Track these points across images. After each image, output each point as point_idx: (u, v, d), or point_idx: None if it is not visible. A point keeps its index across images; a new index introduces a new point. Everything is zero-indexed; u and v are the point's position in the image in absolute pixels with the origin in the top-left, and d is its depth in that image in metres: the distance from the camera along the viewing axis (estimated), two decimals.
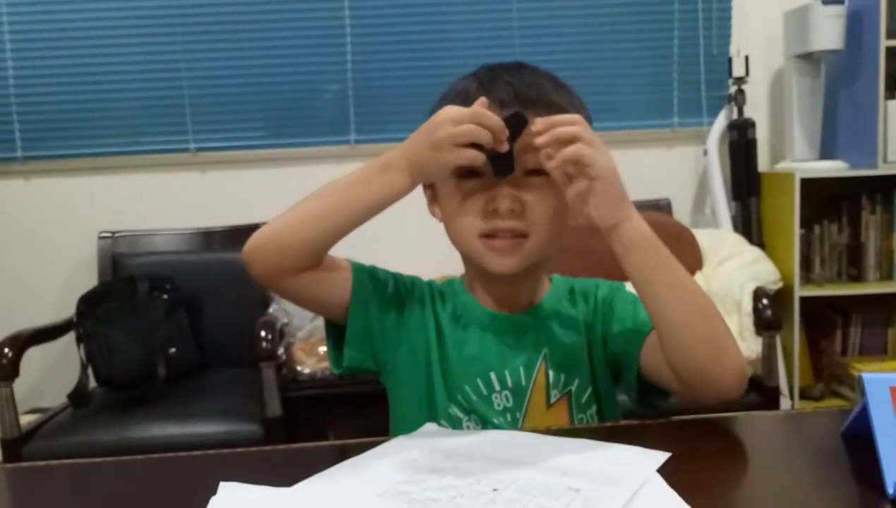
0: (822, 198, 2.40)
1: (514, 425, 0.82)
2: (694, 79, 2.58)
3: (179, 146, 2.56)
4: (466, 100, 0.77)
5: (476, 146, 0.72)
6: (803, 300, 2.27)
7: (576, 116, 0.72)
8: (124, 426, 1.97)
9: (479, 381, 0.83)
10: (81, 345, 2.21)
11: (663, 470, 0.61)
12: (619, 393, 0.89)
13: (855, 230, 2.39)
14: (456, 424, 0.83)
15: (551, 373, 0.84)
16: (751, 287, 2.03)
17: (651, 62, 2.60)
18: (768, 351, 1.96)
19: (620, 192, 0.73)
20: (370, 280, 0.85)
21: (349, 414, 2.29)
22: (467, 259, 0.87)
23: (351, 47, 2.54)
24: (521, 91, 0.79)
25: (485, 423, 0.83)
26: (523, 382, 0.83)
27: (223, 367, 2.35)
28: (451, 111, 0.73)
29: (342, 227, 0.78)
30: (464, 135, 0.71)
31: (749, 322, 1.98)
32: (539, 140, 0.71)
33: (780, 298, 2.19)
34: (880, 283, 2.36)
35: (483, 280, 0.87)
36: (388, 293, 0.86)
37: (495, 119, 0.72)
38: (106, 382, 2.19)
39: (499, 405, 0.83)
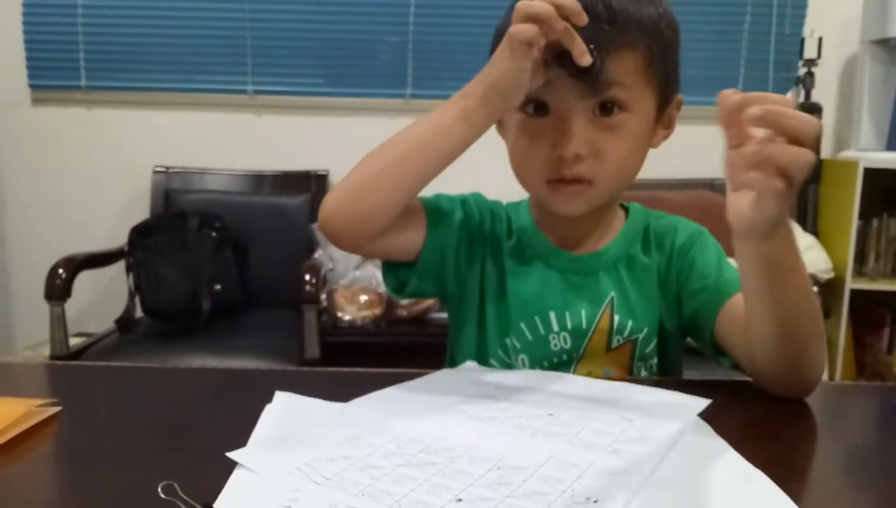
0: (884, 191, 2.32)
1: (567, 366, 0.80)
2: (763, 57, 2.50)
3: (238, 87, 2.58)
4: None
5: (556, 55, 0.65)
6: (853, 293, 2.22)
7: (788, 99, 0.59)
8: (167, 354, 2.02)
9: (536, 320, 0.80)
10: (130, 274, 2.27)
11: (704, 418, 0.61)
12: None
13: None
14: (504, 361, 0.82)
15: (617, 318, 0.79)
16: None
17: (720, 37, 2.53)
18: None
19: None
20: (443, 215, 0.81)
21: (385, 363, 2.32)
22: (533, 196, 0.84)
23: (415, 0, 2.52)
24: (594, 5, 0.68)
25: (535, 363, 0.80)
26: (584, 325, 0.79)
27: (265, 308, 2.40)
28: (520, 7, 0.64)
29: (424, 175, 0.71)
30: (529, 15, 0.63)
31: None
32: (751, 111, 0.56)
33: (829, 289, 2.14)
34: None
35: (550, 217, 0.82)
36: (457, 225, 0.82)
37: (568, 2, 0.63)
38: (152, 312, 2.25)
39: (555, 345, 0.80)
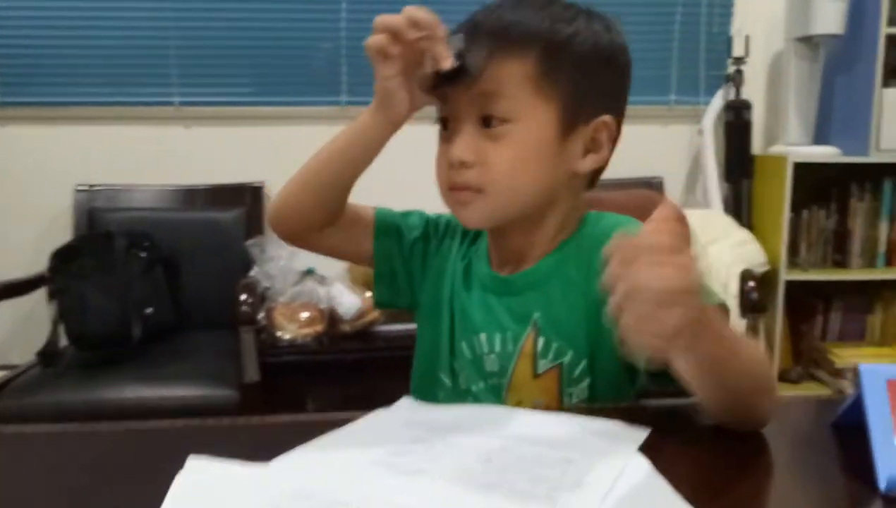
0: (813, 183, 2.38)
1: (497, 392, 0.78)
2: (693, 56, 2.53)
3: (163, 99, 2.47)
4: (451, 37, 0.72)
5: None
6: (787, 284, 2.27)
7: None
8: (95, 386, 1.92)
9: (474, 340, 0.80)
10: (53, 301, 2.16)
11: (643, 449, 0.59)
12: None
13: (842, 217, 2.38)
14: (454, 379, 0.82)
15: (541, 341, 0.76)
16: (737, 269, 2.02)
17: (651, 38, 2.55)
18: (752, 333, 1.96)
19: (685, 318, 0.51)
20: (393, 226, 0.86)
21: (329, 381, 2.27)
22: None
23: (346, 4, 2.46)
24: (485, 22, 0.72)
25: (472, 382, 0.80)
26: (509, 348, 0.78)
27: (200, 329, 2.31)
28: (376, 21, 0.69)
29: (338, 178, 0.78)
30: (383, 26, 0.67)
31: (734, 304, 1.97)
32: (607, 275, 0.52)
33: (765, 281, 2.18)
34: (863, 270, 2.36)
35: (491, 234, 0.83)
36: (412, 238, 0.86)
37: (423, 16, 0.67)
38: (78, 340, 2.14)
39: (489, 367, 0.79)
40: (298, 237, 0.82)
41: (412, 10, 0.67)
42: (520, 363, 0.77)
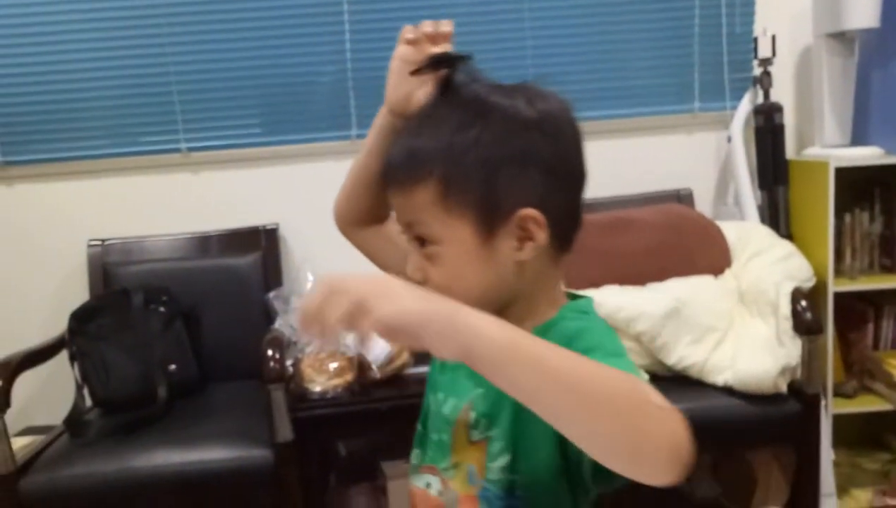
0: (853, 185, 2.26)
1: (445, 449, 0.82)
2: (716, 60, 2.42)
3: (169, 146, 2.40)
4: None
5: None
6: (836, 295, 2.15)
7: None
8: (125, 454, 1.86)
9: (437, 395, 0.86)
10: (75, 364, 2.09)
11: None
12: None
13: (889, 219, 2.26)
14: (425, 424, 0.87)
15: (473, 415, 0.79)
16: (788, 287, 1.91)
17: (670, 42, 2.44)
18: (808, 356, 1.85)
19: (420, 321, 0.57)
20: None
21: (361, 432, 2.18)
22: None
23: (350, 35, 2.37)
24: (394, 154, 0.78)
25: (433, 431, 0.85)
26: (452, 413, 0.82)
27: (225, 380, 2.24)
28: None
29: (363, 171, 0.88)
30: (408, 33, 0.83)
31: (787, 325, 1.86)
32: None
33: (812, 295, 2.07)
34: None
35: None
36: None
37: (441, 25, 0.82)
38: (103, 403, 2.09)
39: (440, 425, 0.84)
40: (343, 229, 0.93)
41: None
42: (457, 429, 0.81)
